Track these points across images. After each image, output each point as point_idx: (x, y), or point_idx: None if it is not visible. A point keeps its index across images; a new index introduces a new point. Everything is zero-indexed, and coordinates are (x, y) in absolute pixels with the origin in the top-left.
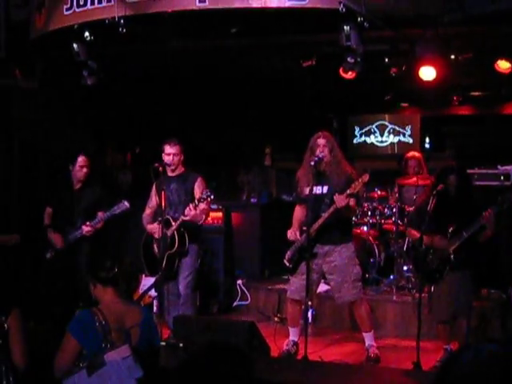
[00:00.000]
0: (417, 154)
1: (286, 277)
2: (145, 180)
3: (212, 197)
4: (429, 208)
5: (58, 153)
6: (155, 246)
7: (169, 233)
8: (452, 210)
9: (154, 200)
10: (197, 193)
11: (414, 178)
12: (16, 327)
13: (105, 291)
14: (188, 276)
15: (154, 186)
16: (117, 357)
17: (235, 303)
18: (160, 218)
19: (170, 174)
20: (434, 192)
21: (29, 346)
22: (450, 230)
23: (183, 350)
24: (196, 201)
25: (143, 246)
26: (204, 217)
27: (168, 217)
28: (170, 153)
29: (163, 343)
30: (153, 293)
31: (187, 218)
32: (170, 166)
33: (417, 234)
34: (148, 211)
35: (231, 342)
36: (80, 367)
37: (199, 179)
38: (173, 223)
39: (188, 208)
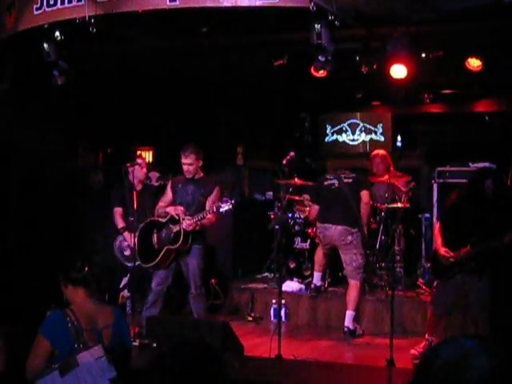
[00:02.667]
0: (381, 151)
1: (259, 276)
2: (116, 180)
3: (231, 208)
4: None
5: (30, 153)
6: (155, 237)
7: (174, 229)
8: (484, 216)
9: (169, 195)
10: (209, 203)
11: (386, 176)
12: None
13: (76, 292)
14: (197, 276)
15: (170, 183)
16: (90, 357)
17: (209, 303)
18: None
19: (188, 176)
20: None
21: (6, 349)
22: (473, 237)
23: (157, 350)
24: (210, 210)
25: (141, 232)
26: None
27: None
28: (185, 163)
29: (136, 343)
30: (126, 293)
31: (189, 224)
32: (186, 175)
33: (436, 235)
34: (162, 204)
35: (203, 340)
36: (52, 368)
37: (216, 190)
38: (182, 220)
39: (187, 223)
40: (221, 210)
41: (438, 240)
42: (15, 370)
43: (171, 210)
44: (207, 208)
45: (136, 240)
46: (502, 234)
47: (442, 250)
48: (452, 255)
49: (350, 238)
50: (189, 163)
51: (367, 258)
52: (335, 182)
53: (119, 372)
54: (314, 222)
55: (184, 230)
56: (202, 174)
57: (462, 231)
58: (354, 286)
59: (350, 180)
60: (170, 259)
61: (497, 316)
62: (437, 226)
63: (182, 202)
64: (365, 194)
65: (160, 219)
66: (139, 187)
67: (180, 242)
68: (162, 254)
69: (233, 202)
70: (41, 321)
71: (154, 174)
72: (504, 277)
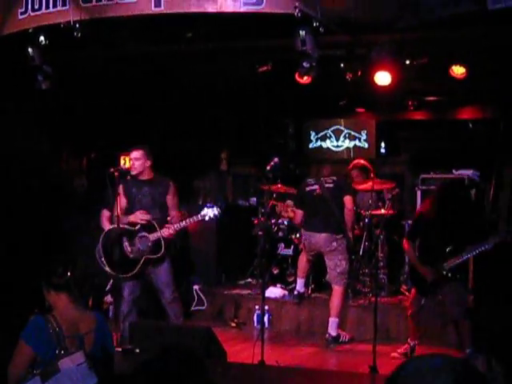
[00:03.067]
0: (360, 161)
1: (243, 282)
2: (100, 185)
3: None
4: (427, 219)
5: (14, 157)
6: (127, 245)
7: (152, 237)
8: (454, 225)
9: (123, 201)
10: (169, 205)
11: (370, 183)
12: None
13: (58, 297)
14: (169, 281)
15: (121, 188)
16: (71, 363)
17: (192, 308)
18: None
19: (140, 177)
20: (437, 206)
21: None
22: (448, 248)
23: (140, 356)
24: (195, 218)
25: (105, 241)
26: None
27: (153, 221)
28: (132, 157)
29: (119, 349)
30: (109, 298)
31: (171, 233)
32: (133, 171)
33: (411, 253)
34: (119, 212)
35: (185, 346)
36: (34, 374)
37: (172, 186)
38: (158, 229)
39: (166, 229)
40: (206, 218)
41: (414, 259)
42: None
43: (134, 217)
44: (169, 207)
45: (100, 249)
46: (483, 239)
47: (425, 271)
48: (433, 273)
49: (334, 244)
50: (134, 157)
51: (351, 263)
52: (316, 187)
53: (101, 378)
54: (300, 227)
55: (165, 238)
56: (152, 174)
57: (439, 242)
58: (337, 291)
59: (332, 185)
60: (147, 269)
61: (479, 318)
62: (407, 243)
63: (141, 206)
64: (348, 200)
65: (127, 227)
66: None
67: (162, 250)
68: (141, 263)
69: (218, 207)
70: (23, 326)
71: None
72: (488, 279)
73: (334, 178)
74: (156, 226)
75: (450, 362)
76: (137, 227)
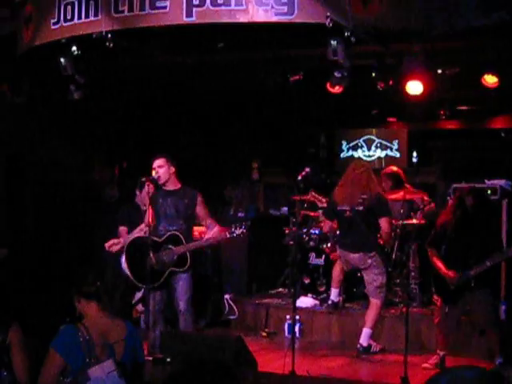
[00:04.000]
0: (389, 168)
1: (274, 291)
2: (132, 195)
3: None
4: (449, 228)
5: (46, 167)
6: (152, 257)
7: (178, 250)
8: (474, 235)
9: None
10: (200, 216)
11: (401, 193)
12: (17, 342)
13: (88, 306)
14: (188, 292)
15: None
16: (101, 372)
17: (223, 318)
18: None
19: (166, 188)
20: (456, 214)
21: (31, 361)
22: (472, 258)
23: (170, 365)
24: (228, 234)
25: (129, 248)
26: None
27: (178, 234)
28: (155, 166)
29: (150, 358)
30: (140, 307)
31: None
32: (157, 179)
33: (437, 262)
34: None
35: (218, 358)
36: (64, 382)
37: (199, 197)
38: (184, 242)
39: (180, 247)
40: (234, 235)
41: (440, 265)
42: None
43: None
44: (201, 217)
45: (124, 258)
46: (500, 251)
47: (451, 273)
48: (458, 278)
49: (369, 261)
50: (158, 165)
51: (389, 277)
52: (347, 207)
53: None
54: (328, 234)
55: (190, 251)
56: (179, 185)
57: (462, 250)
58: (374, 304)
59: (362, 207)
60: (173, 280)
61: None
62: (431, 252)
63: (166, 216)
64: (384, 222)
65: (155, 238)
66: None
67: (187, 265)
68: (165, 275)
69: (245, 227)
70: (55, 335)
71: None
72: None
73: (365, 196)
74: (183, 239)
75: (482, 374)
76: (162, 239)
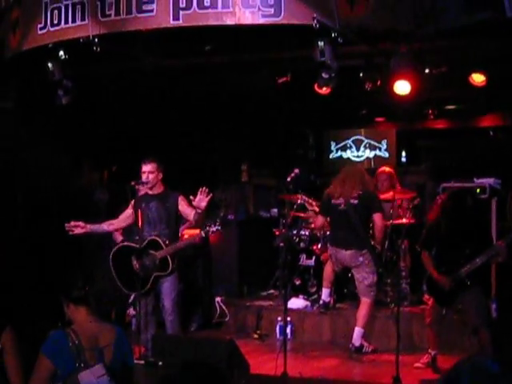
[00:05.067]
0: (387, 168)
1: (265, 293)
2: (121, 198)
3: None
4: (439, 228)
5: (34, 171)
6: (135, 263)
7: (159, 255)
8: (465, 233)
9: (127, 212)
10: (186, 214)
11: (391, 193)
12: (11, 346)
13: (77, 311)
14: (172, 293)
15: (132, 202)
16: (91, 376)
17: (214, 320)
18: (137, 237)
19: (149, 192)
20: (446, 213)
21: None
22: (465, 253)
23: (162, 368)
24: (203, 233)
25: (114, 257)
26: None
27: (157, 239)
28: (145, 171)
29: (142, 361)
30: (131, 311)
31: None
32: (146, 184)
33: (429, 267)
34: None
35: (210, 361)
36: None
37: (180, 198)
38: (163, 246)
39: (162, 251)
40: (210, 232)
41: (432, 270)
42: None
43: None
44: (187, 215)
45: (111, 266)
46: (489, 248)
47: (442, 279)
48: (450, 282)
49: (361, 259)
50: (148, 171)
51: (380, 276)
52: (342, 201)
53: None
54: (317, 230)
55: (171, 254)
56: (162, 188)
57: (453, 250)
58: (365, 303)
59: (356, 201)
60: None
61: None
62: (424, 255)
63: (148, 221)
64: (378, 217)
65: (133, 245)
66: None
67: (170, 267)
68: (151, 281)
69: (218, 223)
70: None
71: None
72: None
73: (360, 192)
74: (162, 243)
75: (506, 368)
76: (143, 245)
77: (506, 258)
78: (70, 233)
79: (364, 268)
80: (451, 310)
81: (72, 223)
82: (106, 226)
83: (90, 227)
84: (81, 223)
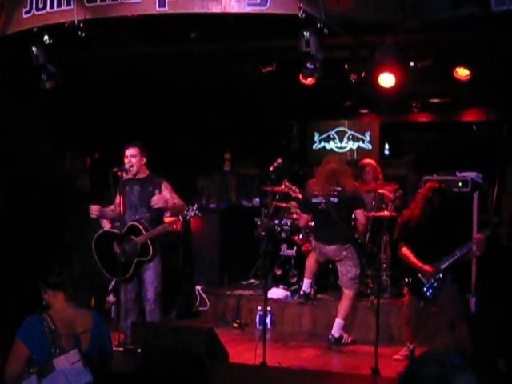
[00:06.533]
0: (372, 161)
1: (245, 282)
2: (103, 185)
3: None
4: (417, 222)
5: (17, 156)
6: (118, 249)
7: (139, 241)
8: (445, 226)
9: (116, 200)
10: (168, 199)
11: (373, 184)
12: None
13: (55, 296)
14: (155, 282)
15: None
16: (66, 362)
17: (194, 309)
18: (118, 224)
19: (133, 176)
20: (424, 208)
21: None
22: (444, 246)
23: (141, 356)
24: (181, 217)
25: (97, 243)
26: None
27: (137, 224)
28: (128, 155)
29: (121, 349)
30: (111, 298)
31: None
32: (128, 170)
33: (411, 257)
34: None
35: (189, 349)
36: (30, 373)
37: (164, 184)
38: (143, 232)
39: (141, 237)
40: (188, 217)
41: (414, 260)
42: None
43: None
44: (170, 204)
45: (94, 252)
46: (467, 241)
47: (427, 267)
48: (435, 269)
49: (344, 253)
50: (131, 154)
51: (362, 268)
52: (321, 199)
53: (97, 376)
54: (304, 229)
55: (152, 239)
56: (147, 172)
57: (430, 244)
58: (347, 295)
59: (337, 199)
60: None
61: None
62: (403, 247)
63: (130, 204)
64: (359, 214)
65: (114, 231)
66: None
67: (151, 253)
68: (133, 266)
69: (196, 207)
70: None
71: None
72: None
73: (339, 188)
74: (142, 229)
75: (469, 361)
76: (124, 230)
77: (484, 251)
78: (91, 216)
79: (347, 261)
80: (429, 302)
81: (93, 207)
82: (110, 212)
83: (102, 212)
84: (99, 207)
